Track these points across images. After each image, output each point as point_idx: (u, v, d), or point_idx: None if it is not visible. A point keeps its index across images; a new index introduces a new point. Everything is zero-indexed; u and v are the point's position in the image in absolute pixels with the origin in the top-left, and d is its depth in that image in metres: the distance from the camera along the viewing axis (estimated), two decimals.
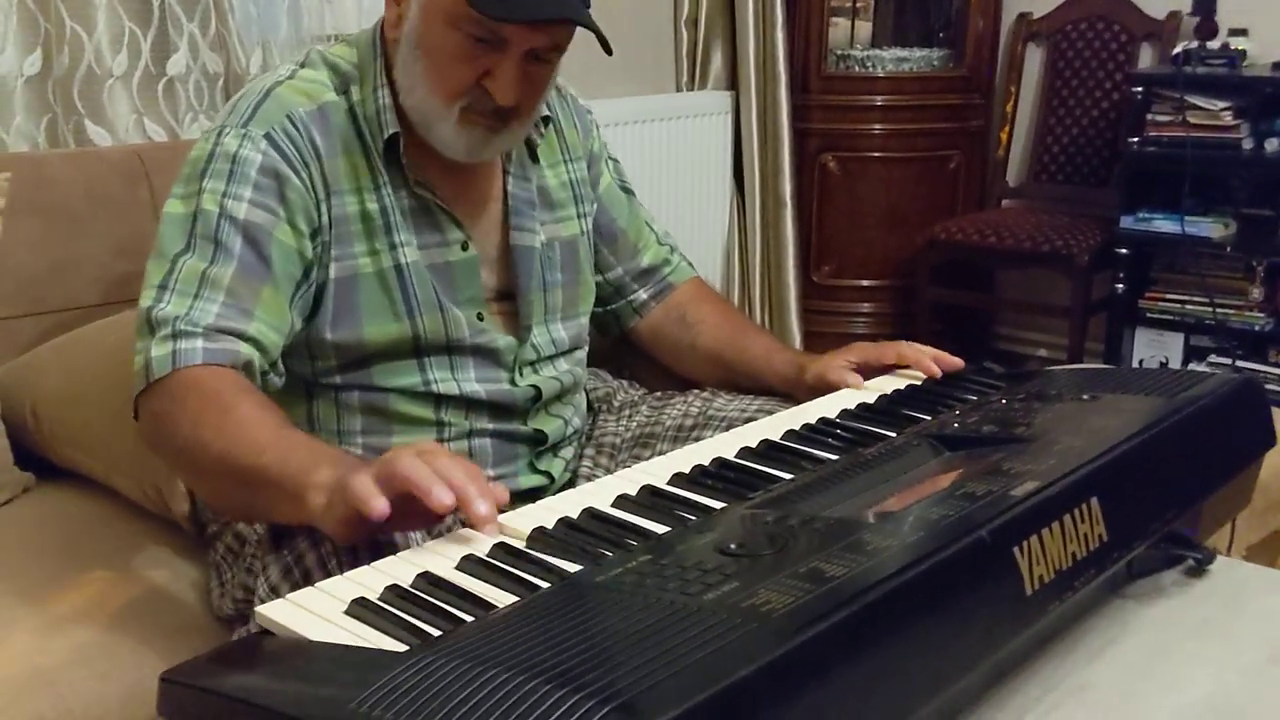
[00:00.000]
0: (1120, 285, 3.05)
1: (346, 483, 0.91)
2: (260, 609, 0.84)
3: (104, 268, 1.71)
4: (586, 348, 1.45)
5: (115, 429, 1.44)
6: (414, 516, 0.91)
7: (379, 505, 0.88)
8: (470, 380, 1.28)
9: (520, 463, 1.33)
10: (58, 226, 1.68)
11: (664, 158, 3.13)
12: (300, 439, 1.04)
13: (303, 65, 1.27)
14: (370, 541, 0.96)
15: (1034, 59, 3.41)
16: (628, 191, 1.54)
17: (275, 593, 0.99)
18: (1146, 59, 3.21)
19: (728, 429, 1.30)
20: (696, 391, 1.46)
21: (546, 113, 1.35)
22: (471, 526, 0.92)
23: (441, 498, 0.88)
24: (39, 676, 1.13)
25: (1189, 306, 3.01)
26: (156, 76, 2.04)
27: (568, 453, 1.40)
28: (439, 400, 1.27)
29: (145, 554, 1.38)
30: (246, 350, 1.12)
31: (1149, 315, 3.07)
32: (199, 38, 2.06)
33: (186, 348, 1.09)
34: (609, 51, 1.16)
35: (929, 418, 1.18)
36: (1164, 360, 3.08)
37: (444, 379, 1.27)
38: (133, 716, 1.15)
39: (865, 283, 3.48)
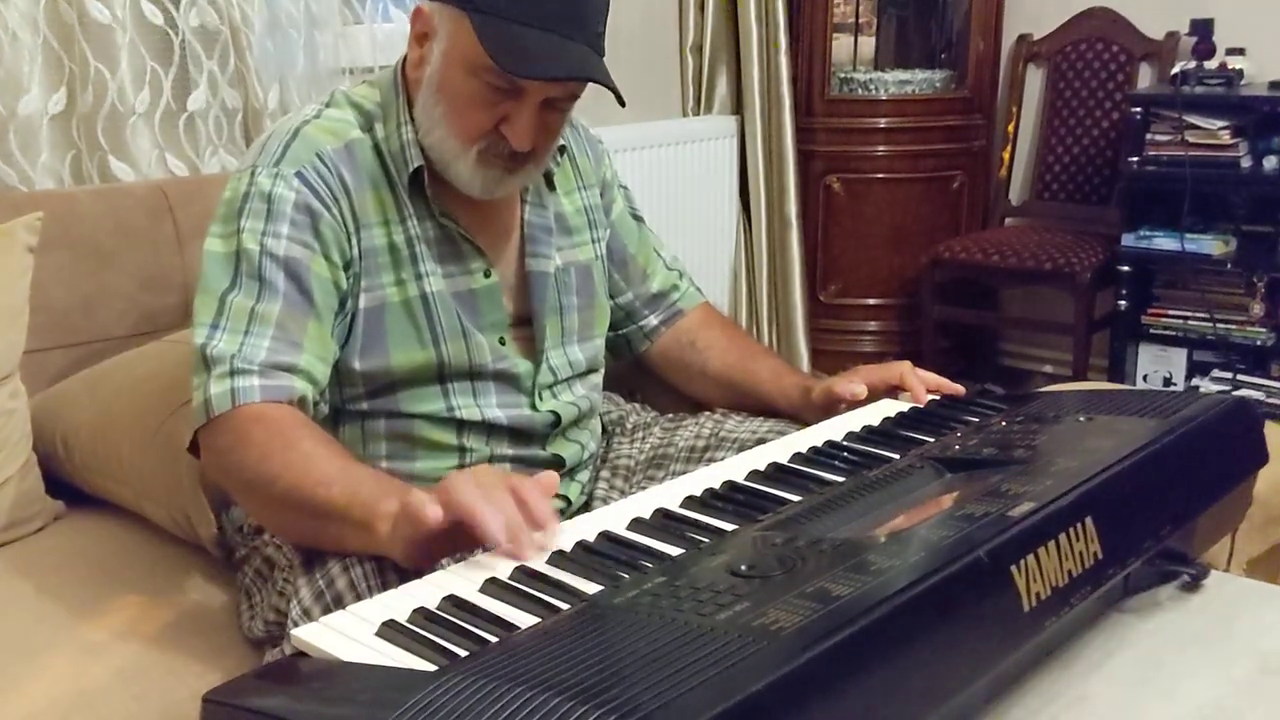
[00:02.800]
0: (1123, 302, 3.07)
1: (406, 500, 0.96)
2: (295, 631, 0.88)
3: (131, 300, 1.75)
4: (602, 371, 1.48)
5: (144, 457, 1.47)
6: (467, 539, 0.96)
7: (433, 511, 0.94)
8: (492, 406, 1.32)
9: None
10: (87, 261, 1.71)
11: (671, 181, 3.16)
12: (366, 472, 1.10)
13: (328, 105, 1.31)
14: (399, 568, 1.01)
15: (1034, 80, 3.44)
16: (637, 218, 1.57)
17: (307, 615, 1.02)
18: (1145, 79, 3.24)
19: (739, 450, 1.33)
20: (708, 414, 1.49)
21: (562, 142, 1.38)
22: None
23: (497, 539, 0.94)
24: (81, 698, 1.16)
25: (1191, 322, 3.03)
26: (177, 113, 2.07)
27: (584, 476, 1.43)
28: (461, 426, 1.30)
29: (175, 578, 1.41)
30: (301, 385, 1.17)
31: (1152, 331, 3.09)
32: (218, 74, 2.09)
33: (244, 385, 1.14)
34: (623, 104, 1.20)
35: (931, 440, 1.21)
36: (1168, 375, 3.10)
37: (466, 405, 1.30)
38: None
39: (871, 301, 3.51)
